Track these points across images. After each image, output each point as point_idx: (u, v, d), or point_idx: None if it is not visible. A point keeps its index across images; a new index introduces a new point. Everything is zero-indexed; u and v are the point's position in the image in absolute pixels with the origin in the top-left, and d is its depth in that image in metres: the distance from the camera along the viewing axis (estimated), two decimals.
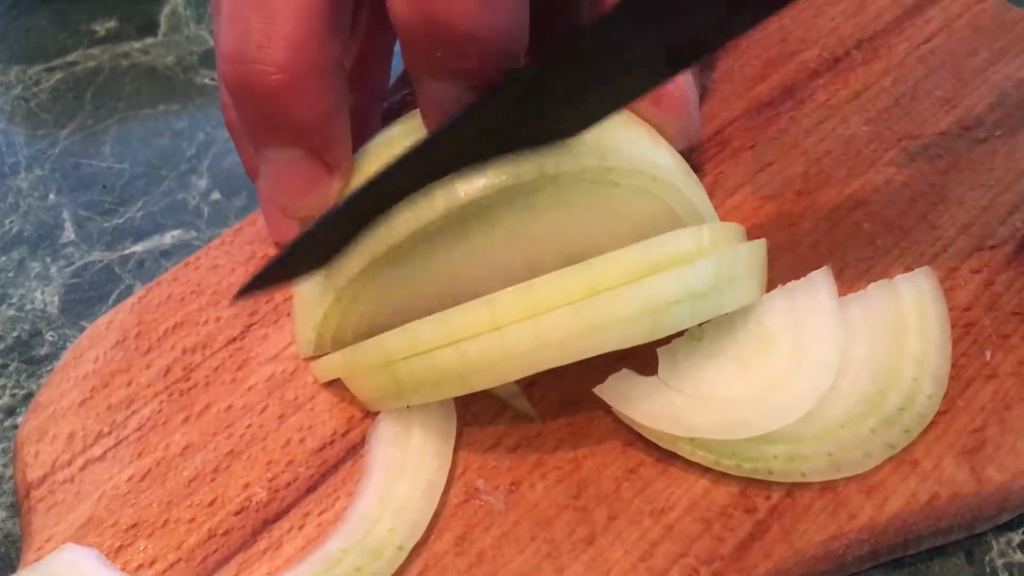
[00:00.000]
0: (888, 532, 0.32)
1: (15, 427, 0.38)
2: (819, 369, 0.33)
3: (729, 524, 0.32)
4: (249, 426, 0.35)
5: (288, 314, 0.38)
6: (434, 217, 0.31)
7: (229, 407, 0.35)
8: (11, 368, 0.40)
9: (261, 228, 0.40)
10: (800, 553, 0.31)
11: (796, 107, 0.44)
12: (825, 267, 0.36)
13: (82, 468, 0.34)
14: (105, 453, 0.34)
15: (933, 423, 0.33)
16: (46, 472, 0.34)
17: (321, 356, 0.35)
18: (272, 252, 0.39)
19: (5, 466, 0.37)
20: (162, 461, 0.34)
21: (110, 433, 0.35)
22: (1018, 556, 0.34)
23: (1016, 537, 0.34)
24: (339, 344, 0.35)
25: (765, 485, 0.32)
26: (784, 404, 0.32)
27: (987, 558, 0.34)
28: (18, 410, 0.39)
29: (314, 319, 0.35)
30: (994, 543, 0.34)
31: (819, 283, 0.36)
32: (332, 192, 0.33)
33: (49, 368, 0.40)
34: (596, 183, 0.32)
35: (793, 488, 0.32)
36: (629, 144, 0.33)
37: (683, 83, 0.37)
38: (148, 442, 0.34)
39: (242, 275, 0.39)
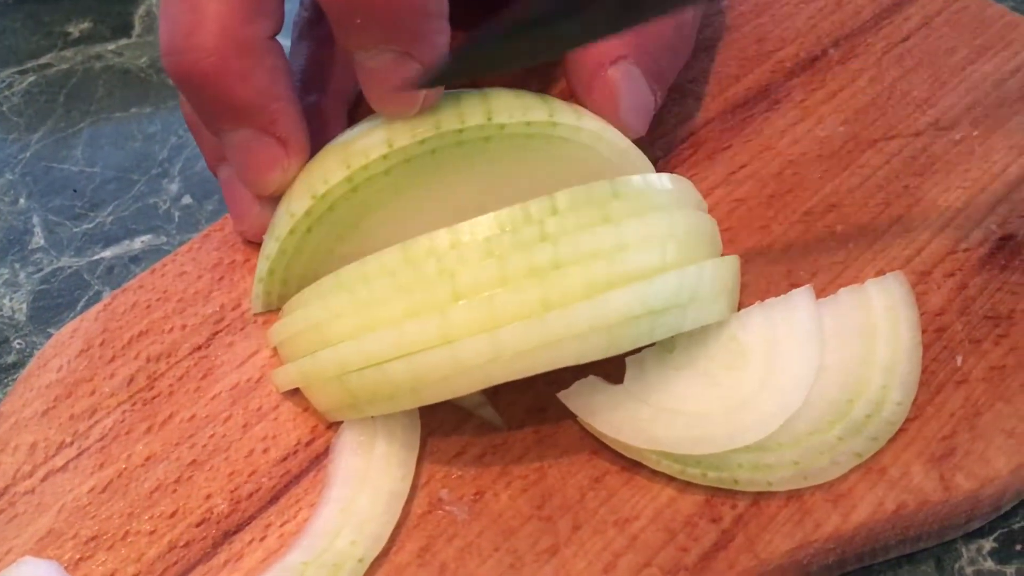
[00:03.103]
0: (855, 541, 0.32)
1: None
2: (789, 390, 0.32)
3: (694, 534, 0.31)
4: (212, 436, 0.34)
5: (254, 323, 0.37)
6: (372, 161, 0.32)
7: (193, 417, 0.35)
8: None
9: (228, 234, 0.39)
10: (765, 563, 0.31)
11: (771, 107, 0.43)
12: (807, 286, 0.35)
13: (43, 479, 0.34)
14: (67, 464, 0.34)
15: (902, 430, 0.33)
16: (7, 483, 0.34)
17: (269, 311, 0.36)
18: (239, 257, 0.39)
19: None
20: (124, 472, 0.34)
21: (72, 443, 0.34)
22: (988, 563, 0.33)
23: (987, 544, 0.34)
24: (284, 300, 0.35)
25: (731, 494, 0.32)
26: (750, 423, 0.31)
27: (957, 566, 0.33)
28: None
29: (260, 273, 0.35)
30: (964, 550, 0.33)
31: (799, 302, 0.35)
32: (291, 166, 0.34)
33: (16, 376, 0.39)
34: (546, 137, 0.33)
35: (759, 497, 0.32)
36: (572, 107, 0.34)
37: (620, 78, 0.36)
38: (110, 453, 0.34)
39: (209, 281, 0.38)
